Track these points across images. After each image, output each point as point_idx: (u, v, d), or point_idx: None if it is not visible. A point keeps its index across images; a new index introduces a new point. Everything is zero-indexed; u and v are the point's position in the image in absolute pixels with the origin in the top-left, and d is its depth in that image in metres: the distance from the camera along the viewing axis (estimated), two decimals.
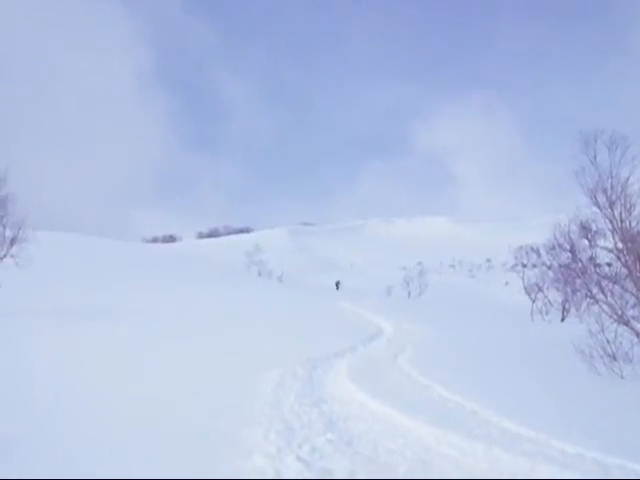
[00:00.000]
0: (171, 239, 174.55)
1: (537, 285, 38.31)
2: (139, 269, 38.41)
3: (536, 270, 42.73)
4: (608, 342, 12.29)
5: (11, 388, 9.05)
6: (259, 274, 58.19)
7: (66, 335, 15.05)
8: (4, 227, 19.43)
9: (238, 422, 7.53)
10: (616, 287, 14.16)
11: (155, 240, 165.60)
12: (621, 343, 12.39)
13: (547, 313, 36.46)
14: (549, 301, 36.69)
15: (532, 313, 36.45)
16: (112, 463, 5.89)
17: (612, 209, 13.80)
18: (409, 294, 61.04)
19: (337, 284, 64.43)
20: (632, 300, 13.64)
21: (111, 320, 18.34)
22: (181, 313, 21.79)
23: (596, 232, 15.67)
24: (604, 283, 14.29)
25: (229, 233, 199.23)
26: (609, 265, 16.41)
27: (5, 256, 19.28)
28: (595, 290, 14.51)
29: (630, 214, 13.65)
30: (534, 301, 38.47)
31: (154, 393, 9.31)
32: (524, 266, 46.93)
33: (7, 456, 5.85)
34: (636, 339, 12.89)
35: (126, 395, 9.02)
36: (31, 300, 21.07)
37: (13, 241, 19.43)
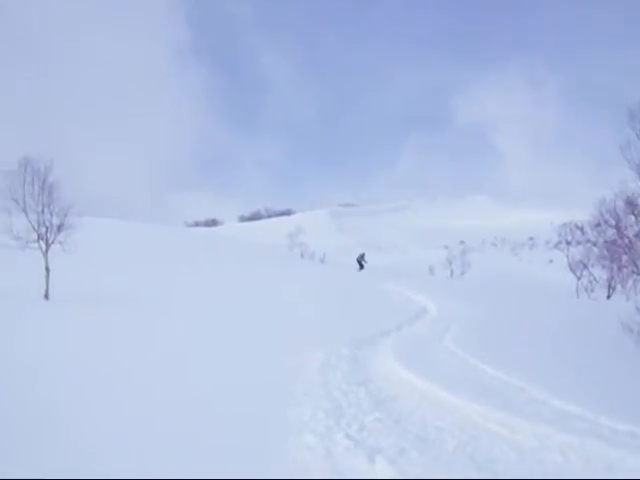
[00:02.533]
0: (213, 223, 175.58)
1: (582, 262, 37.89)
2: (182, 253, 38.69)
3: (581, 247, 42.18)
4: None
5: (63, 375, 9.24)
6: (301, 256, 58.21)
7: (113, 320, 15.26)
8: (51, 214, 19.74)
9: (286, 402, 7.64)
10: None
11: (197, 224, 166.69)
12: None
13: (592, 291, 36.07)
14: (594, 278, 36.28)
15: (577, 291, 36.09)
16: (167, 444, 6.02)
17: None
18: (452, 273, 60.68)
19: (360, 262, 46.80)
20: None
21: (156, 304, 18.59)
22: (226, 296, 21.96)
23: None
24: None
25: (270, 216, 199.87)
26: None
27: (53, 242, 19.63)
28: None
29: None
30: (579, 279, 38.08)
31: (203, 376, 9.44)
32: (568, 243, 46.31)
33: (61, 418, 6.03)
34: None
35: (174, 379, 9.17)
36: (78, 285, 21.49)
37: (60, 228, 19.74)
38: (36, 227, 19.52)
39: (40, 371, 9.05)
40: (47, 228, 19.63)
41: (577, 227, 44.92)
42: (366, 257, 49.43)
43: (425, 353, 11.65)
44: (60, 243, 19.62)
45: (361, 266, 47.18)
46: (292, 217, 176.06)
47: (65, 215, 19.72)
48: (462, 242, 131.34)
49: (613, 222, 19.19)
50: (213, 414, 7.16)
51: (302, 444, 6.01)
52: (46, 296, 18.32)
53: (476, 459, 5.79)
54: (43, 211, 19.63)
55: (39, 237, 19.53)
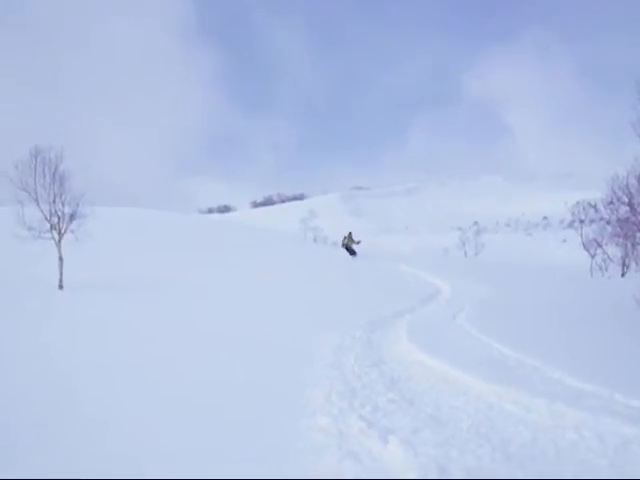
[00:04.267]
0: (226, 209, 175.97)
1: (596, 241, 37.63)
2: (196, 240, 38.73)
3: (594, 226, 41.85)
4: None
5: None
6: (314, 240, 58.29)
7: (126, 307, 15.33)
8: (63, 204, 19.81)
9: (299, 384, 7.66)
10: None
11: (210, 211, 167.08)
12: None
13: (607, 269, 35.86)
14: (608, 257, 36.04)
15: (591, 269, 35.89)
16: (187, 427, 6.07)
17: None
18: (465, 254, 60.54)
19: (349, 247, 36.77)
20: None
21: (172, 290, 18.65)
22: (239, 281, 21.99)
23: None
24: None
25: (283, 201, 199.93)
26: None
27: (65, 232, 19.71)
28: None
29: None
30: (593, 257, 37.84)
31: (218, 357, 9.48)
32: (582, 222, 46.03)
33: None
34: None
35: (189, 360, 9.21)
36: (92, 274, 21.60)
37: (72, 217, 19.82)
38: (48, 217, 19.60)
39: (68, 360, 9.11)
40: (59, 218, 19.71)
41: (590, 205, 44.65)
42: (356, 237, 37.73)
43: (439, 334, 11.64)
44: (73, 232, 19.69)
45: (351, 252, 36.47)
46: (304, 202, 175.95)
47: (77, 204, 19.80)
48: (475, 223, 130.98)
49: (626, 199, 19.05)
50: (232, 396, 7.23)
51: (315, 426, 6.02)
52: (60, 285, 18.41)
53: (491, 439, 5.78)
54: (55, 201, 19.70)
55: (51, 227, 19.62)
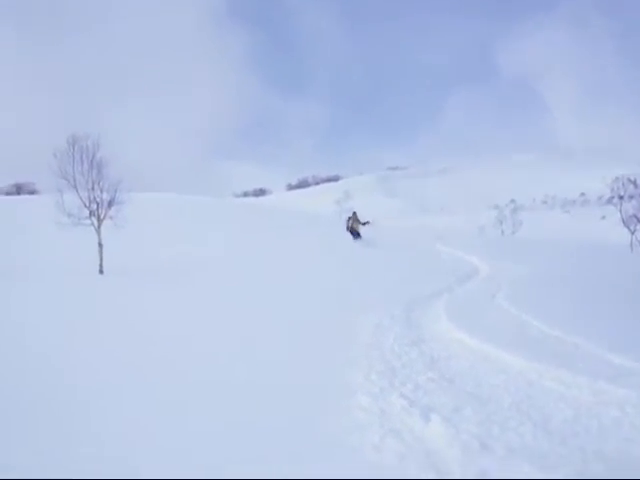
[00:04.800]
0: (261, 192, 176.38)
1: (636, 216, 37.19)
2: (231, 224, 38.99)
3: (634, 201, 41.33)
4: None
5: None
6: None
7: (165, 291, 15.52)
8: (101, 190, 20.12)
9: (340, 364, 7.71)
10: None
11: (246, 194, 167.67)
12: None
13: None
14: None
15: (632, 245, 35.46)
16: (227, 408, 6.15)
17: None
18: (502, 233, 60.21)
19: (354, 230, 31.86)
20: None
21: (207, 275, 18.82)
22: (276, 264, 22.10)
23: None
24: None
25: (318, 183, 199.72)
26: None
27: (104, 218, 20.01)
28: None
29: None
30: (633, 233, 37.40)
31: (258, 339, 9.56)
32: (621, 198, 45.36)
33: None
34: None
35: (229, 341, 9.32)
36: (130, 259, 21.91)
37: (110, 203, 20.13)
38: (87, 204, 19.93)
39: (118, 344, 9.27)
40: (98, 204, 20.07)
41: (630, 181, 44.00)
42: (361, 217, 32.76)
43: (477, 312, 11.60)
44: (111, 218, 20.00)
45: (355, 235, 31.80)
46: (339, 183, 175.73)
47: (115, 191, 20.11)
48: (512, 201, 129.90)
49: None
50: (275, 375, 7.38)
51: (357, 405, 6.06)
52: (100, 270, 18.70)
53: (532, 416, 5.77)
54: (93, 188, 20.07)
55: (91, 213, 19.97)
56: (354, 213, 32.98)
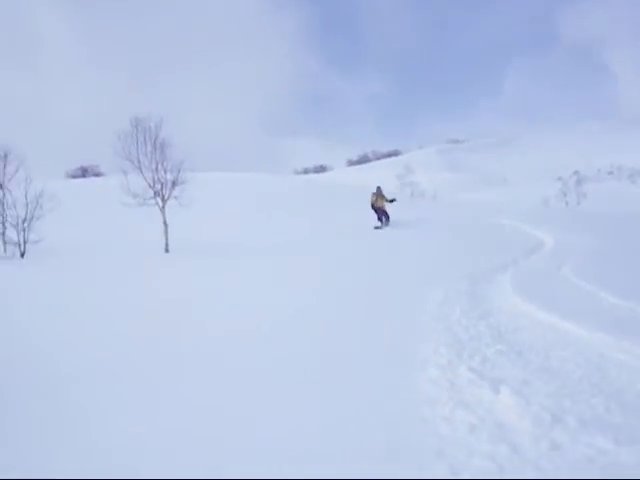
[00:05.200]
0: (322, 169, 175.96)
1: None
2: (293, 201, 39.16)
3: None
4: None
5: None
6: (412, 195, 58.04)
7: (235, 268, 15.69)
8: (165, 171, 20.46)
9: (407, 337, 7.72)
10: None
11: (306, 171, 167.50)
12: None
13: None
14: None
15: None
16: (303, 389, 6.24)
17: None
18: (567, 204, 59.11)
19: (382, 213, 26.86)
20: None
21: (268, 251, 18.99)
22: (339, 238, 22.14)
23: None
24: None
25: (378, 158, 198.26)
26: None
27: (169, 198, 20.35)
28: None
29: None
30: None
31: (327, 314, 9.62)
32: None
33: None
34: None
35: (298, 317, 9.40)
36: (194, 238, 22.27)
37: (174, 183, 20.46)
38: (152, 184, 20.29)
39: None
40: (162, 184, 20.41)
41: None
42: (387, 194, 27.91)
43: (544, 285, 11.44)
44: (175, 198, 20.34)
45: (381, 215, 26.87)
46: (400, 157, 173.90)
47: (178, 171, 20.42)
48: (576, 172, 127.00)
49: None
50: (344, 348, 7.43)
51: (426, 377, 6.07)
52: (166, 249, 19.07)
53: (603, 388, 5.68)
54: (157, 168, 20.41)
55: (155, 194, 20.34)
56: (378, 188, 27.72)
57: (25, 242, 20.09)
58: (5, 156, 21.03)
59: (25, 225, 20.30)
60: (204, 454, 4.52)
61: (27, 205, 20.68)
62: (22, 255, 19.76)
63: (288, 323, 8.98)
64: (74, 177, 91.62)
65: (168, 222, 19.99)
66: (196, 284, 13.23)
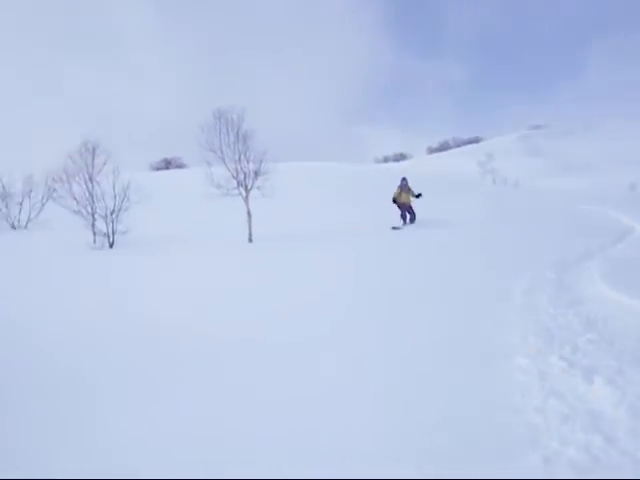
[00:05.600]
0: (402, 157, 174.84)
1: None
2: (375, 190, 39.07)
3: None
4: None
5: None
6: (493, 182, 57.27)
7: (320, 257, 15.76)
8: (247, 161, 20.72)
9: (493, 326, 7.64)
10: None
11: (386, 160, 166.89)
12: None
13: None
14: None
15: None
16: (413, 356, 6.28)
17: None
18: None
19: (407, 209, 22.99)
20: None
21: (355, 237, 19.00)
22: (423, 228, 22.00)
23: None
24: None
25: (459, 145, 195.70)
26: None
27: (251, 188, 20.62)
28: None
29: None
30: None
31: (416, 303, 9.60)
32: None
33: None
34: None
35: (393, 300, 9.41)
36: (277, 228, 22.51)
37: (257, 174, 20.71)
38: (235, 175, 20.60)
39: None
40: (245, 175, 20.68)
41: None
42: (413, 187, 23.62)
43: (635, 273, 11.15)
44: (258, 188, 20.60)
45: (405, 213, 23.12)
46: (481, 144, 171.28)
47: (260, 161, 20.64)
48: None
49: None
50: (435, 337, 7.38)
51: (515, 366, 6.02)
52: (250, 239, 19.33)
53: None
54: (240, 159, 20.68)
55: (238, 184, 20.62)
56: (404, 180, 23.45)
57: (114, 233, 20.73)
58: (93, 149, 21.71)
59: (113, 216, 20.97)
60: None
61: (115, 197, 21.35)
62: (111, 246, 20.41)
63: (382, 309, 9.00)
64: (157, 169, 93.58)
65: (252, 212, 20.30)
66: (284, 272, 13.34)
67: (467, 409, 5.05)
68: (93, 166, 21.57)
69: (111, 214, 20.96)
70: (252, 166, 20.77)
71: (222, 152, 20.53)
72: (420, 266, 13.55)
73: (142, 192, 21.24)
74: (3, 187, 30.48)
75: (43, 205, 30.13)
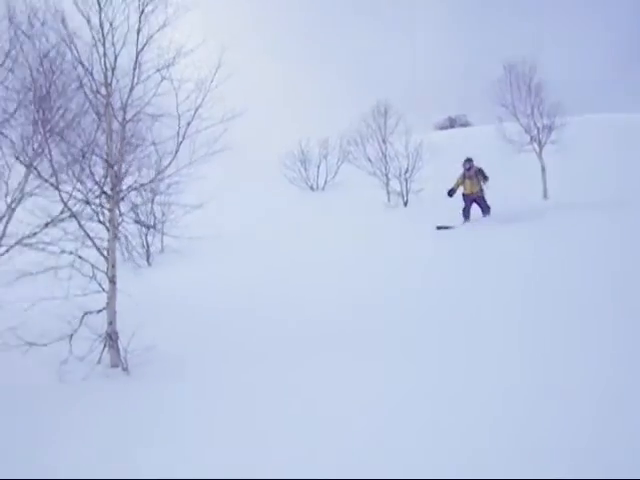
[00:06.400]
0: None
1: None
2: None
3: None
4: None
5: None
6: None
7: None
8: (540, 115, 20.15)
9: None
10: None
11: None
12: None
13: None
14: None
15: None
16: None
17: None
18: None
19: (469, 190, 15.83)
20: None
21: None
22: None
23: None
24: None
25: None
26: None
27: (545, 143, 20.05)
28: None
29: None
30: None
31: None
32: None
33: None
34: None
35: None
36: (573, 186, 21.48)
37: (550, 128, 20.08)
38: (527, 130, 20.15)
39: None
40: (538, 129, 20.12)
41: None
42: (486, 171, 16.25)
43: None
44: (553, 143, 19.95)
45: (481, 205, 16.25)
46: None
47: (554, 115, 19.99)
48: None
49: None
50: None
51: None
52: (545, 195, 18.88)
53: None
54: (532, 113, 20.16)
55: (531, 139, 20.13)
56: (468, 161, 16.56)
57: (407, 192, 21.29)
58: (385, 111, 22.42)
59: (407, 175, 21.49)
60: None
61: (408, 157, 21.85)
62: (405, 204, 20.99)
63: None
64: (442, 128, 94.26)
65: (547, 168, 19.67)
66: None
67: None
68: (386, 127, 22.27)
69: (405, 173, 21.53)
70: (545, 120, 20.17)
71: (514, 107, 20.17)
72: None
73: (432, 151, 21.55)
74: (302, 152, 32.23)
75: (338, 167, 31.44)
